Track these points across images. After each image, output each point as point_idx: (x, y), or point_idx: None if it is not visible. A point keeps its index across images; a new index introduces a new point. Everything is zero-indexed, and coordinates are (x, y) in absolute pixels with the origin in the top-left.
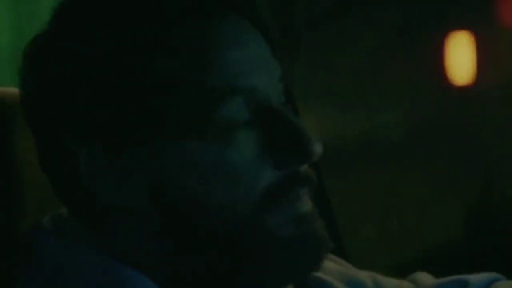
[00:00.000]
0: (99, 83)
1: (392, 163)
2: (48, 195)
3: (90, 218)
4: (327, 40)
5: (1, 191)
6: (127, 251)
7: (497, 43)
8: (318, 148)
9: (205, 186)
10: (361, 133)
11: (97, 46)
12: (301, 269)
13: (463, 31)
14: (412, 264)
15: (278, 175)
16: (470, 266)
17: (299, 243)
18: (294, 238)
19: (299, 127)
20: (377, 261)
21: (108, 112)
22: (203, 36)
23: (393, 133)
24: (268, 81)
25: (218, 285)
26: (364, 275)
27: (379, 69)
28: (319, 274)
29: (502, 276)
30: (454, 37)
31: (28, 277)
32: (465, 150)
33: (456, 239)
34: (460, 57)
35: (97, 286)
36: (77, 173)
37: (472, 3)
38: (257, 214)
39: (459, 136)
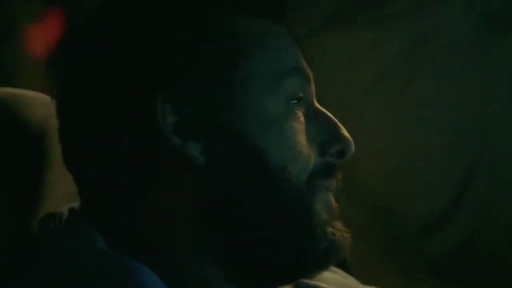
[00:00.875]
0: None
1: None
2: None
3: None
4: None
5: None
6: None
7: None
8: (353, 145)
9: (271, 146)
10: None
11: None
12: (328, 257)
13: None
14: None
15: (322, 162)
16: None
17: (328, 233)
18: (327, 224)
19: (339, 123)
20: None
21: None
22: (255, 30)
23: None
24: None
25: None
26: None
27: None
28: (319, 284)
29: None
30: None
31: (38, 272)
32: None
33: None
34: None
35: (109, 279)
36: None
37: None
38: (309, 185)
39: None
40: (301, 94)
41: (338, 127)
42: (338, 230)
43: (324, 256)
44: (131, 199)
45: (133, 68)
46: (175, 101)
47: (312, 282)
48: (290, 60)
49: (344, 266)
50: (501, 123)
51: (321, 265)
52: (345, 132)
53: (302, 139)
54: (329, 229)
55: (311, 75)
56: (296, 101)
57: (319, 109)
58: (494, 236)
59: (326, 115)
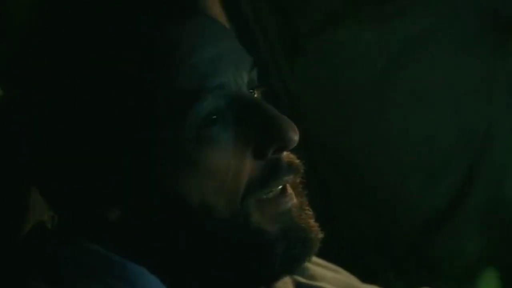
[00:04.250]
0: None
1: None
2: None
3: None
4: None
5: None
6: (134, 250)
7: None
8: (294, 134)
9: (187, 185)
10: None
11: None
12: (287, 264)
13: None
14: None
15: (261, 166)
16: None
17: (284, 238)
18: (279, 233)
19: (272, 113)
20: None
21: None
22: (166, 40)
23: None
24: (236, 73)
25: (213, 284)
26: None
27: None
28: (320, 284)
29: None
30: None
31: (35, 276)
32: None
33: None
34: None
35: (107, 282)
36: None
37: None
38: (241, 211)
39: None
40: (221, 105)
41: (270, 121)
42: (299, 231)
43: (287, 262)
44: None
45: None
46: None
47: (314, 282)
48: (192, 79)
49: (346, 265)
50: (503, 123)
51: (287, 270)
52: (280, 123)
53: (223, 162)
54: (284, 238)
55: (238, 63)
56: (214, 116)
57: (246, 103)
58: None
59: (257, 108)
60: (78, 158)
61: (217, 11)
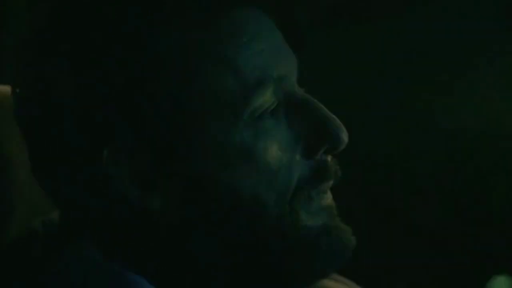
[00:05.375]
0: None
1: None
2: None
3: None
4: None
5: None
6: (130, 257)
7: None
8: (345, 136)
9: (240, 177)
10: None
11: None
12: (329, 262)
13: None
14: None
15: (310, 166)
16: None
17: (326, 233)
18: (321, 227)
19: (326, 113)
20: None
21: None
22: (233, 22)
23: None
24: (290, 69)
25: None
26: None
27: None
28: None
29: None
30: None
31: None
32: None
33: None
34: None
35: None
36: (98, 175)
37: None
38: (290, 208)
39: None
40: (274, 99)
41: (323, 120)
42: (338, 229)
43: (329, 259)
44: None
45: (77, 121)
46: (127, 150)
47: None
48: (256, 67)
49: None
50: None
51: (329, 268)
52: (333, 123)
53: (277, 155)
54: (326, 233)
55: (290, 59)
56: (273, 108)
57: (299, 101)
58: None
59: (308, 107)
60: (132, 141)
61: None
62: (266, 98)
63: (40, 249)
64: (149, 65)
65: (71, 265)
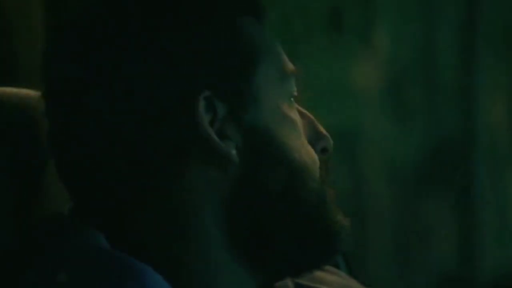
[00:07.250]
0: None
1: None
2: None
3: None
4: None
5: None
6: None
7: None
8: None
9: (290, 141)
10: None
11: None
12: (342, 245)
13: None
14: None
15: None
16: None
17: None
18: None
19: (318, 123)
20: None
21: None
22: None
23: None
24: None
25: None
26: None
27: None
28: (319, 286)
29: None
30: None
31: (40, 273)
32: None
33: None
34: None
35: (112, 280)
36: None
37: None
38: (322, 183)
39: None
40: (295, 93)
41: (318, 125)
42: (340, 222)
43: (333, 249)
44: (142, 196)
45: (178, 67)
46: (212, 101)
47: (312, 284)
48: (287, 62)
49: (346, 267)
50: None
51: (329, 258)
52: (324, 130)
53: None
54: (337, 224)
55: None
56: (293, 99)
57: (299, 107)
58: None
59: (306, 113)
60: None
61: None
62: (293, 86)
63: (47, 238)
64: (237, 45)
65: (77, 253)
